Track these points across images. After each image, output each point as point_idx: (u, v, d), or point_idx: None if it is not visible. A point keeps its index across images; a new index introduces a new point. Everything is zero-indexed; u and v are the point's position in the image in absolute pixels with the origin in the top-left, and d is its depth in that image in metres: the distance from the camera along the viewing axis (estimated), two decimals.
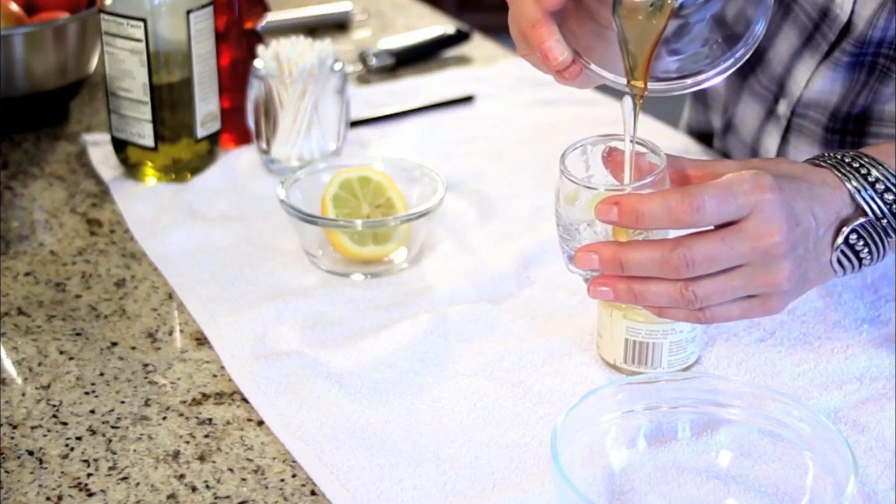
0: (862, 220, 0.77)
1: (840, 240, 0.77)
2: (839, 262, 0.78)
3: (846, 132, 0.99)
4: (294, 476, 0.75)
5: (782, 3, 1.04)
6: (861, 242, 0.77)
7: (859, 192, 0.77)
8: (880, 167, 0.78)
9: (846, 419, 0.79)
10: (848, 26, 0.95)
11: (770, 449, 0.74)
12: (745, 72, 1.09)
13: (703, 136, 1.22)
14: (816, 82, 0.99)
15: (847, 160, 0.79)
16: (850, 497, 0.66)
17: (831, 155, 0.80)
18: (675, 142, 1.18)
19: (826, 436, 0.70)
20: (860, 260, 0.78)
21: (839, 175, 0.78)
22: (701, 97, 1.21)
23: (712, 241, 0.74)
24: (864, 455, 0.76)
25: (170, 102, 1.07)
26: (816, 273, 0.78)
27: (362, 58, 1.37)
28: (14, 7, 1.17)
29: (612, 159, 0.78)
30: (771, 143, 1.05)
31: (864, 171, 0.78)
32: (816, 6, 0.98)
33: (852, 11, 0.94)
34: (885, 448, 0.76)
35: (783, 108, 1.03)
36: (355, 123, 1.21)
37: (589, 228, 0.77)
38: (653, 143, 0.78)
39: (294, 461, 0.76)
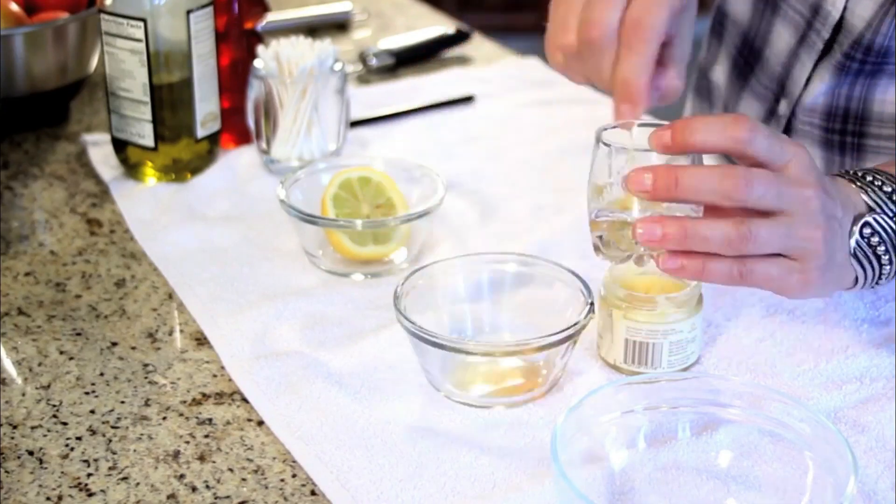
0: (874, 215, 0.78)
1: (856, 228, 0.78)
2: (857, 257, 0.78)
3: (846, 133, 0.99)
4: (294, 476, 0.75)
5: (769, 2, 1.04)
6: (876, 239, 0.78)
7: (867, 191, 0.79)
8: (883, 174, 0.80)
9: (846, 419, 0.79)
10: (841, 23, 0.95)
11: (770, 449, 0.74)
12: (746, 72, 1.09)
13: None
14: (816, 83, 0.99)
15: (857, 173, 0.80)
16: (850, 497, 0.66)
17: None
18: None
19: (826, 436, 0.70)
20: (878, 258, 0.78)
21: (850, 180, 0.80)
22: (704, 92, 1.21)
23: (766, 172, 0.74)
24: (864, 455, 0.76)
25: (170, 102, 1.07)
26: (843, 259, 0.78)
27: (362, 58, 1.37)
28: (14, 7, 1.17)
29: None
30: None
31: (869, 177, 0.79)
32: (807, 3, 0.98)
33: (845, 8, 0.94)
34: (885, 448, 0.76)
35: (783, 107, 1.04)
36: (355, 123, 1.21)
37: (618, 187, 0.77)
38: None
39: (294, 461, 0.76)
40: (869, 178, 0.79)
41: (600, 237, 0.79)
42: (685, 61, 0.78)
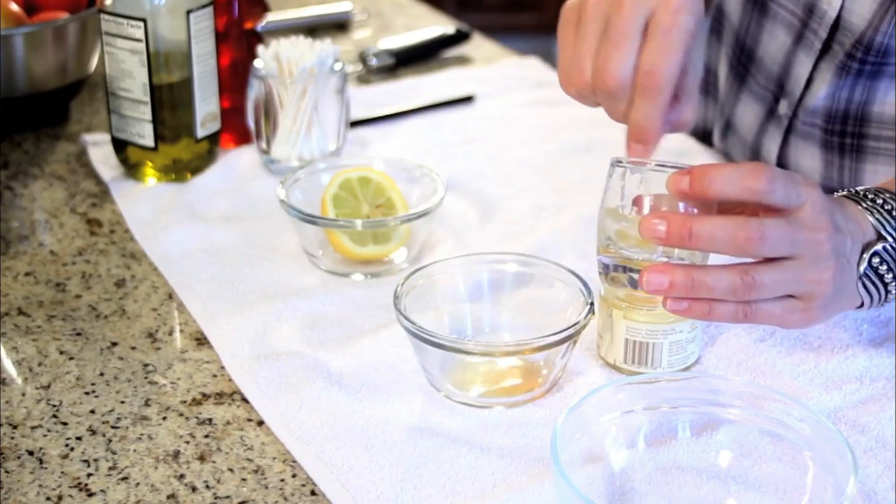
0: (884, 243, 0.78)
1: (866, 256, 0.78)
2: (864, 284, 0.78)
3: (846, 134, 0.99)
4: (294, 476, 0.75)
5: (757, 2, 1.04)
6: (884, 267, 0.78)
7: (872, 213, 0.79)
8: (885, 193, 0.80)
9: (846, 419, 0.79)
10: (838, 22, 0.95)
11: (770, 449, 0.74)
12: (742, 72, 1.09)
13: (704, 135, 1.22)
14: (818, 84, 0.99)
15: (863, 193, 0.80)
16: (850, 497, 0.66)
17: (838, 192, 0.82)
18: (673, 141, 1.18)
19: (826, 436, 0.70)
20: (885, 284, 0.79)
21: (856, 201, 0.80)
22: (708, 89, 1.21)
23: (780, 222, 0.74)
24: (864, 455, 0.76)
25: (170, 102, 1.07)
26: (850, 290, 0.78)
27: (362, 58, 1.37)
28: (14, 7, 1.17)
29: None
30: (772, 144, 1.05)
31: (879, 199, 0.80)
32: (800, 2, 0.98)
33: (842, 7, 0.94)
34: (885, 448, 0.76)
35: (784, 108, 1.03)
36: (355, 123, 1.21)
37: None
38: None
39: (294, 461, 0.76)
40: (879, 201, 0.79)
41: (605, 266, 0.80)
42: (697, 83, 0.79)
